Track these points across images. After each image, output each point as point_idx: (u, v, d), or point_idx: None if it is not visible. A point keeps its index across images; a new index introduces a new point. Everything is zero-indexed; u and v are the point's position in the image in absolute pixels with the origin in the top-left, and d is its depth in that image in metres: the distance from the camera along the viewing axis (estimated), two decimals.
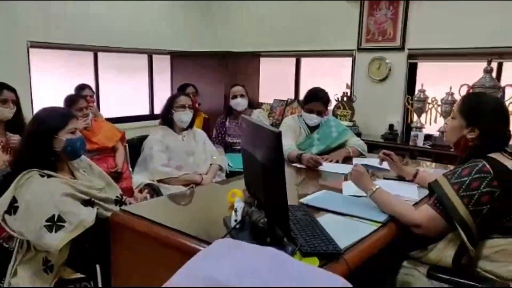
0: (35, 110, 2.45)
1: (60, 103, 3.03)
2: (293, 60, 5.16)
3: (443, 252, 1.62)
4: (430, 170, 2.72)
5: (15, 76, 3.71)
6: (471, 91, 3.45)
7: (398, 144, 4.00)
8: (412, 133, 3.96)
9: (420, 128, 3.99)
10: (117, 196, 2.04)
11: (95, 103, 3.96)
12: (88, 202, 1.86)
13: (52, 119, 1.88)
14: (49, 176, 1.80)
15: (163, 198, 2.29)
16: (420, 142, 3.87)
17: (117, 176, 2.98)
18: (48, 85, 4.29)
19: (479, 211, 1.52)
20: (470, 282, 1.50)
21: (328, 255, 1.34)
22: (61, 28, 4.17)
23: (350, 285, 0.98)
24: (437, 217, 1.57)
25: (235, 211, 1.51)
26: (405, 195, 1.96)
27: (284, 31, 5.01)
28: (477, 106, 1.71)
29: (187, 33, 5.36)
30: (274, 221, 1.35)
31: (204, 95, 4.47)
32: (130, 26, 4.76)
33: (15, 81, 2.80)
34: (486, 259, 1.56)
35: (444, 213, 1.56)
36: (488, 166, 1.55)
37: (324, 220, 1.65)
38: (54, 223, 1.70)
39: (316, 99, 2.91)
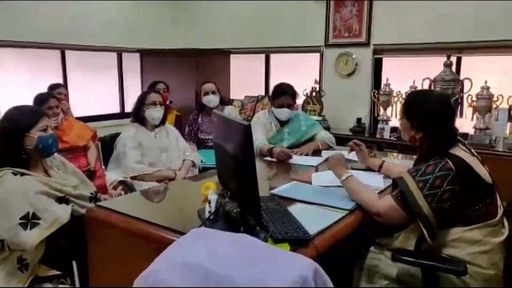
0: (2, 110, 2.41)
1: (27, 102, 2.97)
2: (263, 56, 5.22)
3: (407, 242, 1.72)
4: (397, 161, 2.83)
5: None
6: (432, 84, 3.62)
7: (366, 137, 4.11)
8: (379, 125, 4.09)
9: (386, 121, 4.13)
10: (91, 193, 2.05)
11: (67, 101, 3.90)
12: (62, 200, 1.87)
13: (23, 117, 1.87)
14: (22, 174, 1.79)
15: (137, 193, 2.31)
16: (386, 134, 4.00)
17: (90, 175, 2.95)
18: (14, 85, 4.19)
19: (441, 208, 1.61)
20: (431, 262, 1.60)
21: (299, 240, 1.42)
22: (25, 26, 4.07)
23: (318, 265, 1.05)
24: (398, 208, 1.66)
25: (209, 202, 1.56)
26: (372, 184, 2.06)
27: (254, 28, 5.07)
28: (416, 110, 1.78)
29: (156, 31, 5.32)
30: (247, 210, 1.41)
31: (175, 93, 4.48)
32: (99, 24, 4.69)
33: None
34: (446, 245, 1.66)
35: (406, 207, 1.64)
36: (450, 163, 1.62)
37: (294, 209, 1.73)
38: (29, 220, 1.71)
39: (284, 93, 3.00)
